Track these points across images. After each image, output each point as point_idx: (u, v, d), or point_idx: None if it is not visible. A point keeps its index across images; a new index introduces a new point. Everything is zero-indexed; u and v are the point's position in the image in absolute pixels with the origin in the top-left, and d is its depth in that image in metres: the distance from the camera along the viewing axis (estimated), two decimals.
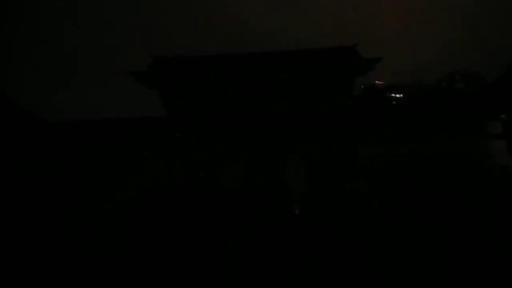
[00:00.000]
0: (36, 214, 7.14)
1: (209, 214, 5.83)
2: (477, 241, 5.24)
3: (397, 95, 70.88)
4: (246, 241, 5.64)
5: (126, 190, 17.59)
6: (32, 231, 6.42)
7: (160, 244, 5.67)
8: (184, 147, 20.86)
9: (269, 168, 20.22)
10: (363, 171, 19.50)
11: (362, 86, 57.25)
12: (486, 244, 5.24)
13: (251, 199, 6.74)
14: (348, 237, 5.73)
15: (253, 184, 19.08)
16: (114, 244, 5.77)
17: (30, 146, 15.15)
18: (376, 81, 69.77)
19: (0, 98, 15.73)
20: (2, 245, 6.11)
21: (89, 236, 6.15)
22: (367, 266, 6.58)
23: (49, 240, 6.24)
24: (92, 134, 20.50)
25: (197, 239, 5.64)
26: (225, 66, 22.40)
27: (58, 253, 5.97)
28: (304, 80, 22.42)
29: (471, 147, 18.52)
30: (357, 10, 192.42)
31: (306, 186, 18.22)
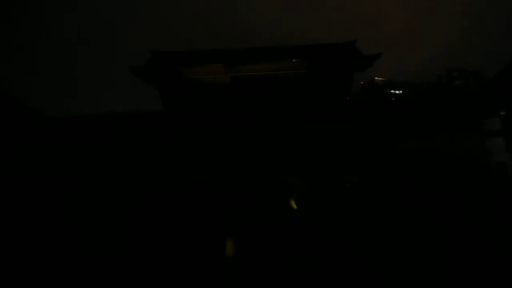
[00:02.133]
0: (35, 209, 7.15)
1: (206, 210, 5.84)
2: (475, 236, 5.26)
3: (396, 92, 70.98)
4: (243, 236, 5.65)
5: (124, 186, 17.59)
6: (30, 226, 6.42)
7: (157, 240, 5.68)
8: (182, 143, 20.85)
9: (266, 165, 20.22)
10: (361, 167, 19.53)
11: (361, 83, 57.29)
12: (484, 239, 5.27)
13: (248, 195, 6.76)
14: (345, 233, 5.75)
15: (250, 181, 19.11)
16: (112, 240, 5.78)
17: (28, 140, 15.13)
18: (375, 78, 69.80)
19: None
20: (1, 240, 6.11)
21: (87, 231, 6.16)
22: (363, 261, 6.61)
23: (47, 235, 6.25)
24: (91, 129, 20.48)
25: (194, 235, 5.65)
26: (223, 61, 22.34)
27: (57, 248, 5.98)
28: (302, 76, 22.38)
29: (469, 144, 18.54)
30: (356, 5, 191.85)
31: (304, 182, 18.24)
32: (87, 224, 6.40)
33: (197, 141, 20.81)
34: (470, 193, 6.12)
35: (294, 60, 22.29)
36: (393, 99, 63.94)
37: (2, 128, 12.92)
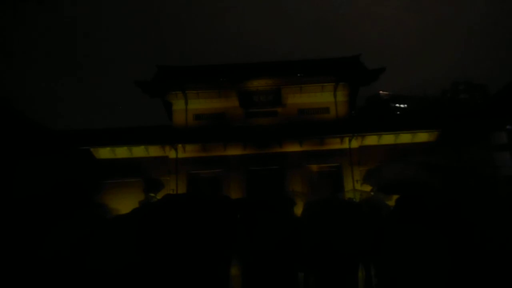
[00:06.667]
0: (39, 223, 7.12)
1: (211, 223, 5.78)
2: (482, 253, 5.14)
3: (401, 105, 70.91)
4: (248, 250, 5.60)
5: (129, 199, 17.62)
6: (34, 241, 6.38)
7: (162, 253, 5.63)
8: (188, 156, 20.96)
9: (271, 178, 20.21)
10: (366, 181, 19.43)
11: (366, 97, 57.41)
12: (491, 255, 5.15)
13: (254, 208, 6.70)
14: (352, 247, 5.68)
15: (256, 194, 19.05)
16: (117, 253, 5.72)
17: (34, 153, 15.23)
18: (380, 92, 69.87)
19: (2, 105, 15.84)
20: (5, 253, 6.07)
21: (91, 246, 6.10)
22: (370, 276, 6.52)
23: (51, 250, 6.19)
24: (97, 143, 20.69)
25: (199, 248, 5.59)
26: (229, 76, 22.48)
27: (61, 263, 5.92)
28: (307, 91, 22.44)
29: (476, 158, 18.39)
30: (361, 21, 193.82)
31: (309, 195, 18.16)
32: (91, 238, 6.32)
33: (203, 155, 20.87)
34: (477, 208, 6.00)
35: (299, 74, 22.37)
36: (398, 113, 63.90)
37: (7, 140, 13.01)
